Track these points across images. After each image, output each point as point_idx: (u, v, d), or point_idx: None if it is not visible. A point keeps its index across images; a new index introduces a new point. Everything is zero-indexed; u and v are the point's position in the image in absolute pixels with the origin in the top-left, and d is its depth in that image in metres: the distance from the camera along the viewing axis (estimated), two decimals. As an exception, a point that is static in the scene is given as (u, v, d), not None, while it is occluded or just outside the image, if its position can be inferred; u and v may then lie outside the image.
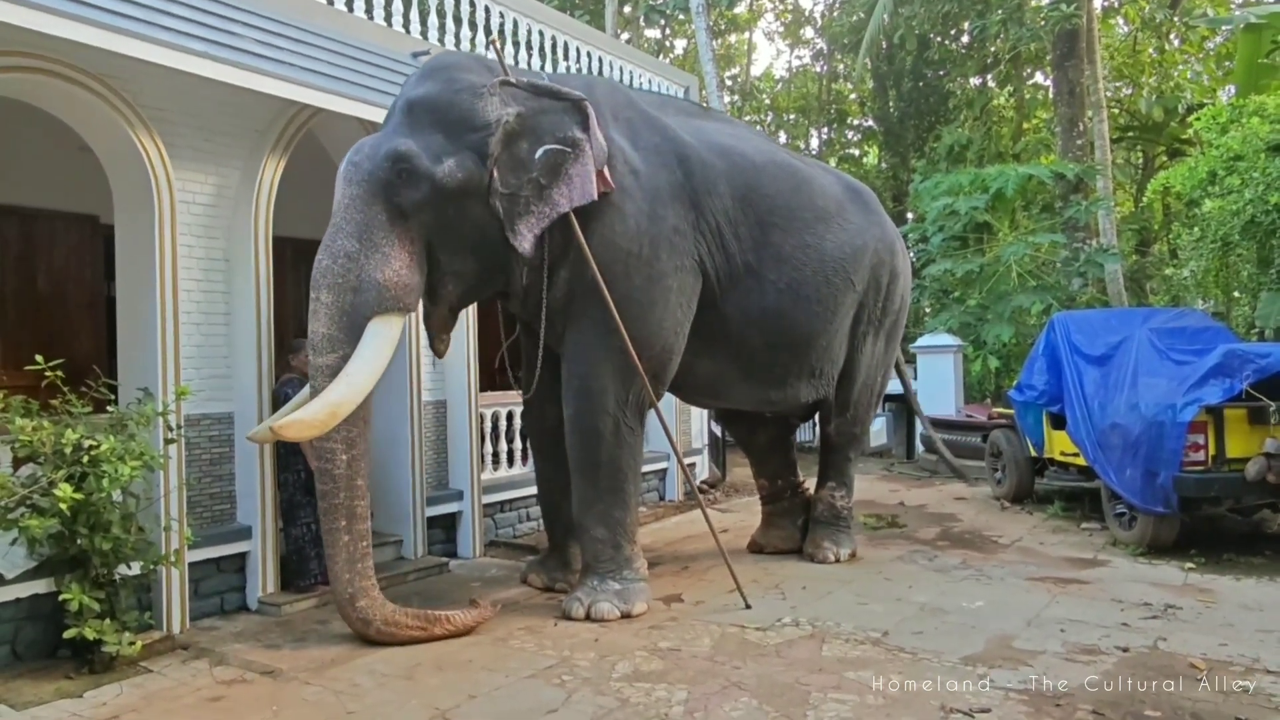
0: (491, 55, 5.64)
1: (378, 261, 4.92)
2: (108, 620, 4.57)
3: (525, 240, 5.17)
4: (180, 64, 4.97)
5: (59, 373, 4.57)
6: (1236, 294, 11.51)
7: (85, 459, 4.49)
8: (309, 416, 4.68)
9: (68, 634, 4.47)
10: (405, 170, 4.96)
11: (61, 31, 4.47)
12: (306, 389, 5.07)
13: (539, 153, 5.20)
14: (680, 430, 9.56)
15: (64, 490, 4.29)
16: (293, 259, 7.60)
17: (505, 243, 5.23)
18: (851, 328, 6.79)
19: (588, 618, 5.30)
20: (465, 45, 7.25)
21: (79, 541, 4.50)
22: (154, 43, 4.81)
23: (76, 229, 6.92)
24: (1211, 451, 6.70)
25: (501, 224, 5.18)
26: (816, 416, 7.31)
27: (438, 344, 5.50)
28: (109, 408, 4.87)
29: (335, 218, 5.00)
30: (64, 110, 5.26)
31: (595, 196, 5.27)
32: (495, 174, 5.10)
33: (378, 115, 6.01)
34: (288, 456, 5.76)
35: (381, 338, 4.93)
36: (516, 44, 7.86)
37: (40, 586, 4.70)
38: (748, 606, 5.58)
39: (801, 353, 6.49)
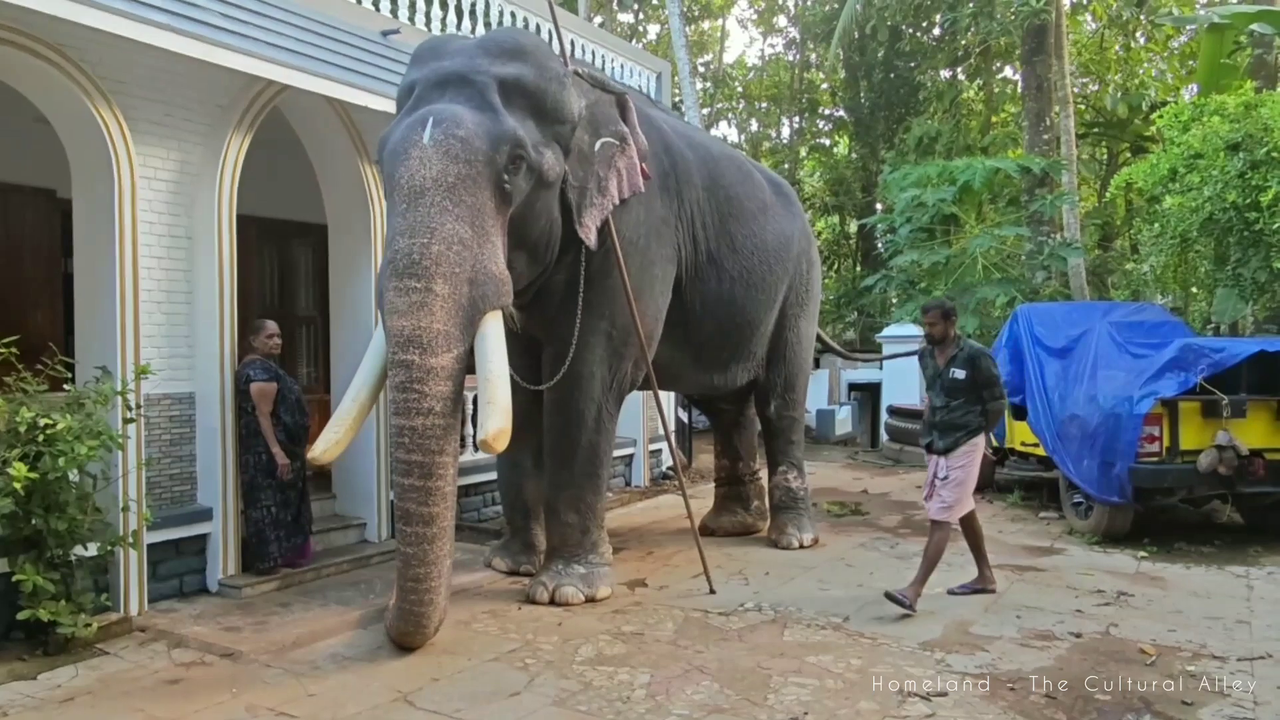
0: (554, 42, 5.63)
1: (490, 252, 4.45)
2: (63, 602, 4.49)
3: (591, 232, 5.14)
4: (141, 35, 4.85)
5: (14, 350, 4.48)
6: (1194, 290, 11.73)
7: (41, 438, 4.41)
8: (505, 424, 4.28)
9: (21, 615, 4.39)
10: (520, 158, 4.60)
11: (18, -1, 4.35)
12: (360, 390, 4.62)
13: (598, 145, 5.20)
14: (648, 416, 9.58)
15: (18, 469, 4.21)
16: (257, 238, 7.49)
17: (560, 236, 5.13)
18: (781, 312, 7.06)
19: (552, 601, 5.31)
20: (436, 24, 7.16)
21: (34, 522, 4.42)
22: (113, 13, 4.69)
23: (33, 203, 6.75)
24: (1166, 443, 6.85)
25: (567, 217, 5.07)
26: (753, 401, 7.45)
27: None
28: (66, 386, 4.77)
29: (430, 195, 4.30)
30: (19, 80, 5.12)
31: (642, 188, 5.34)
32: (568, 167, 5.05)
33: (346, 94, 5.94)
34: (249, 438, 5.69)
35: (501, 337, 4.53)
36: (488, 24, 7.78)
37: (-7, 567, 4.61)
38: (711, 591, 5.62)
39: (746, 338, 6.73)
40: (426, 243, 4.24)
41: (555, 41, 8.32)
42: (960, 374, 5.37)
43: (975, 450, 5.41)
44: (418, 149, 4.40)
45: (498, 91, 4.69)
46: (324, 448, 4.55)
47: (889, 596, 5.22)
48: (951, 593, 5.59)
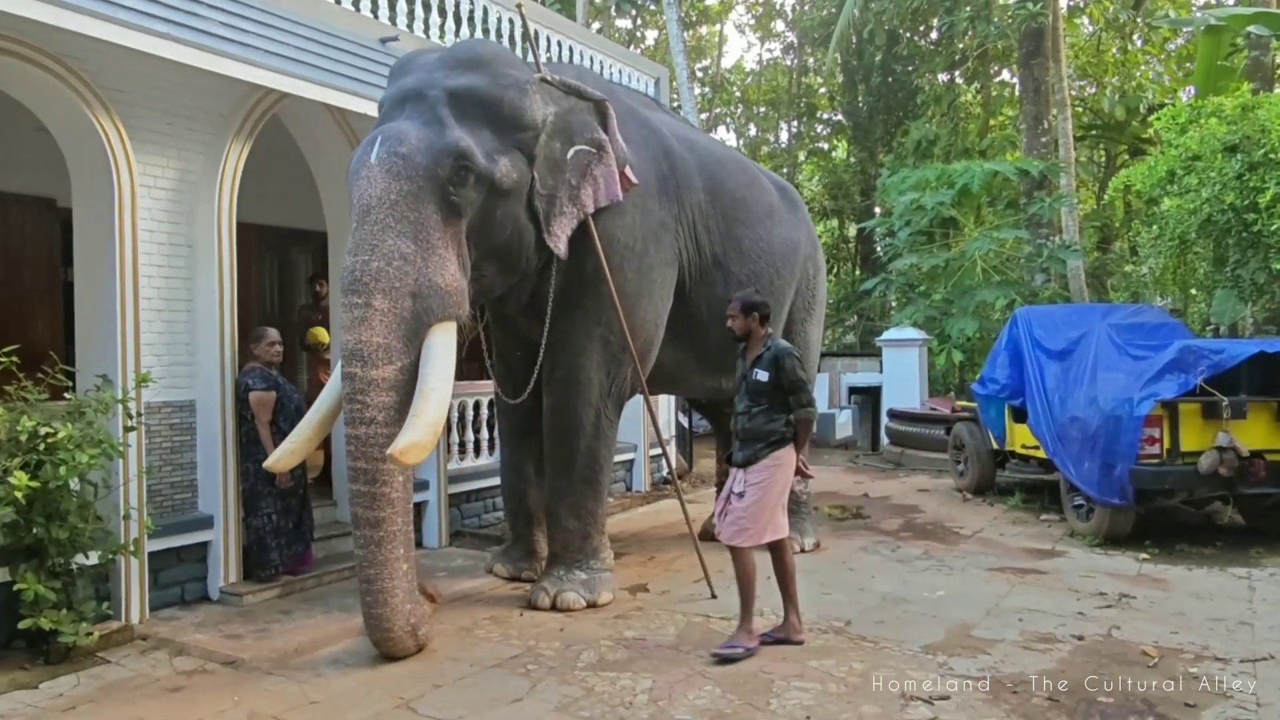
0: (528, 54, 5.58)
1: (436, 264, 4.52)
2: (64, 610, 4.48)
3: (561, 241, 5.11)
4: (141, 45, 4.86)
5: (14, 359, 4.48)
6: (1193, 291, 11.75)
7: (42, 446, 4.41)
8: (420, 438, 4.21)
9: (23, 624, 4.39)
10: (465, 169, 4.63)
11: (17, 9, 4.35)
12: (321, 404, 4.80)
13: (570, 153, 5.15)
14: (647, 421, 9.56)
15: (19, 478, 4.21)
16: (257, 245, 7.51)
17: (533, 243, 5.13)
18: (789, 316, 7.08)
19: (553, 607, 5.31)
20: (435, 32, 7.18)
21: (35, 530, 4.41)
22: (114, 22, 4.71)
23: (33, 212, 6.77)
24: (1166, 445, 6.85)
25: (536, 225, 5.07)
26: None
27: None
28: (67, 395, 4.78)
29: (376, 213, 4.44)
30: (20, 89, 5.13)
31: (620, 197, 5.27)
32: (536, 175, 5.03)
33: (345, 101, 5.95)
34: (249, 446, 5.69)
35: (449, 350, 4.57)
36: (485, 31, 7.80)
37: (-6, 576, 4.61)
38: (713, 596, 5.62)
39: None
40: (368, 260, 4.37)
41: (543, 48, 8.38)
42: (763, 376, 4.72)
43: (777, 466, 4.69)
44: (366, 169, 4.56)
45: (448, 104, 4.76)
46: (278, 457, 4.86)
47: (719, 658, 4.47)
48: (719, 655, 4.56)
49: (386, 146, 4.55)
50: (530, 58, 5.53)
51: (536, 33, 8.21)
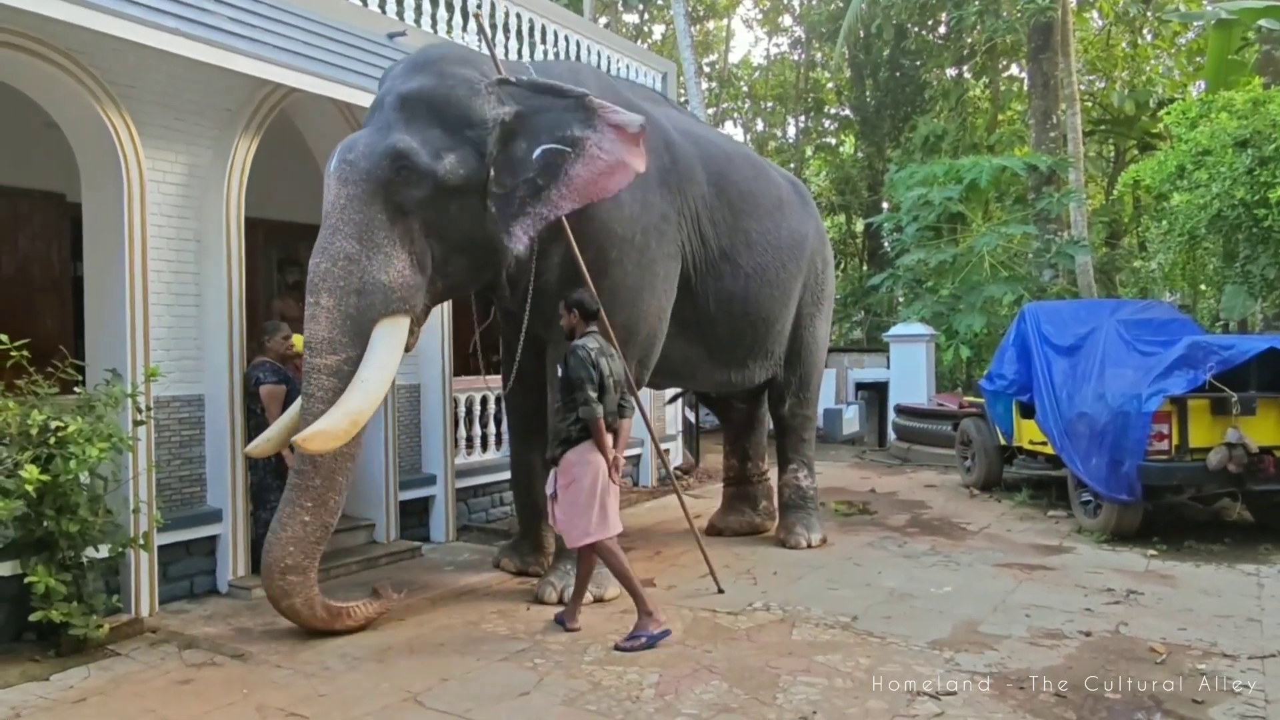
0: (484, 49, 5.53)
1: (380, 263, 4.75)
2: (75, 603, 4.51)
3: (520, 242, 5.07)
4: (150, 40, 4.88)
5: (24, 353, 4.50)
6: (1203, 287, 11.72)
7: (52, 440, 4.43)
8: (331, 426, 4.47)
9: (34, 617, 4.42)
10: (405, 168, 4.79)
11: (29, 5, 4.37)
12: (292, 408, 5.04)
13: (536, 153, 5.07)
14: (654, 417, 9.58)
15: (30, 472, 4.23)
16: (265, 241, 7.53)
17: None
18: (798, 310, 7.06)
19: (560, 602, 5.32)
20: (443, 27, 7.17)
21: (45, 524, 4.44)
22: (123, 18, 4.72)
23: (43, 207, 6.79)
24: (1175, 441, 6.82)
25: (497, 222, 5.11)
26: (766, 399, 7.46)
27: (409, 337, 5.40)
28: (76, 389, 4.80)
29: (330, 219, 4.77)
30: (30, 85, 5.15)
31: (607, 193, 5.11)
32: (491, 173, 5.01)
33: (353, 96, 5.96)
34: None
35: (391, 341, 4.80)
36: (494, 27, 7.79)
37: (5, 569, 4.62)
38: (720, 591, 5.62)
39: (762, 335, 6.71)
40: (319, 262, 4.74)
41: (550, 42, 8.38)
42: (560, 371, 4.89)
43: (575, 467, 4.78)
44: (326, 178, 4.92)
45: (399, 108, 4.96)
46: (257, 444, 5.13)
47: (621, 649, 4.55)
48: (618, 649, 4.60)
49: (339, 155, 4.89)
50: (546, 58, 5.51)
51: (533, 23, 8.21)
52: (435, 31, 7.09)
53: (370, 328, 4.74)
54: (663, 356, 6.11)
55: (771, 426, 7.60)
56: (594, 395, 4.79)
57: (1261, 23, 10.54)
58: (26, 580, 4.43)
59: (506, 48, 7.86)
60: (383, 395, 4.81)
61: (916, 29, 20.83)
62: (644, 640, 4.61)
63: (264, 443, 5.09)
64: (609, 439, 4.86)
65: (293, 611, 4.70)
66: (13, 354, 4.46)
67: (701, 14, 24.84)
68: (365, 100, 5.98)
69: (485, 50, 5.56)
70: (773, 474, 7.55)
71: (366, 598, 5.08)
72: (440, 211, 4.94)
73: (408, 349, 5.22)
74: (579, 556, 5.01)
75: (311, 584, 4.72)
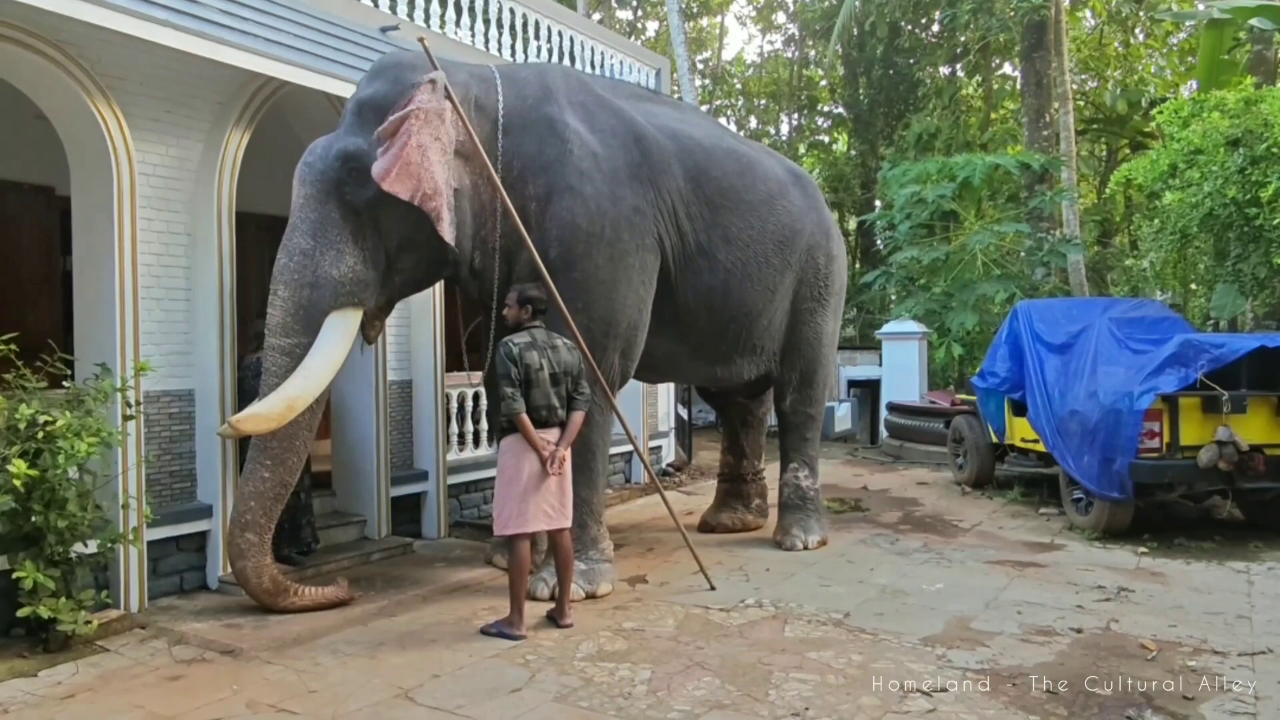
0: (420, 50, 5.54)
1: (332, 259, 5.08)
2: (63, 599, 4.48)
3: (445, 229, 5.11)
4: (140, 32, 4.84)
5: (13, 347, 4.47)
6: (1194, 285, 11.74)
7: (40, 435, 4.40)
8: (266, 410, 4.83)
9: (22, 613, 4.38)
10: (355, 169, 5.08)
11: (16, -5, 4.34)
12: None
13: None
14: (646, 414, 9.57)
15: (18, 466, 4.20)
16: (256, 235, 7.48)
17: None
18: (793, 306, 6.95)
19: (552, 598, 5.30)
20: (435, 20, 7.15)
21: (34, 519, 4.40)
22: (113, 9, 4.69)
23: (31, 200, 6.75)
24: (1166, 439, 6.85)
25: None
26: (771, 396, 7.40)
27: (369, 330, 5.47)
28: (65, 383, 4.76)
29: (291, 217, 5.14)
30: (18, 77, 5.11)
31: (405, 195, 4.99)
32: None
33: (345, 90, 5.92)
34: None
35: (338, 332, 5.09)
36: (487, 21, 7.77)
37: (-7, 564, 4.61)
38: (712, 588, 5.62)
39: (745, 330, 6.63)
40: (280, 257, 5.11)
41: (544, 38, 8.36)
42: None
43: (503, 457, 4.85)
44: (293, 181, 5.23)
45: (355, 112, 5.28)
46: (221, 428, 5.31)
47: (482, 632, 4.72)
48: (484, 632, 4.77)
49: (302, 159, 5.25)
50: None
51: (526, 18, 8.18)
52: (428, 25, 7.06)
53: (321, 318, 5.05)
54: (646, 352, 6.09)
55: (774, 425, 7.54)
56: (510, 391, 4.74)
57: (1253, 22, 10.59)
58: (15, 575, 4.39)
59: (499, 42, 7.84)
60: (326, 382, 5.06)
61: (910, 27, 20.86)
62: (498, 632, 4.73)
63: (227, 426, 5.22)
64: (537, 434, 4.77)
65: (243, 576, 4.99)
66: (1, 348, 4.43)
67: (695, 10, 24.82)
68: (358, 94, 5.96)
69: (454, 55, 5.66)
70: (773, 473, 7.50)
71: (331, 585, 5.28)
72: (392, 207, 5.11)
73: (369, 341, 5.59)
74: (509, 549, 4.88)
75: (265, 551, 5.00)
